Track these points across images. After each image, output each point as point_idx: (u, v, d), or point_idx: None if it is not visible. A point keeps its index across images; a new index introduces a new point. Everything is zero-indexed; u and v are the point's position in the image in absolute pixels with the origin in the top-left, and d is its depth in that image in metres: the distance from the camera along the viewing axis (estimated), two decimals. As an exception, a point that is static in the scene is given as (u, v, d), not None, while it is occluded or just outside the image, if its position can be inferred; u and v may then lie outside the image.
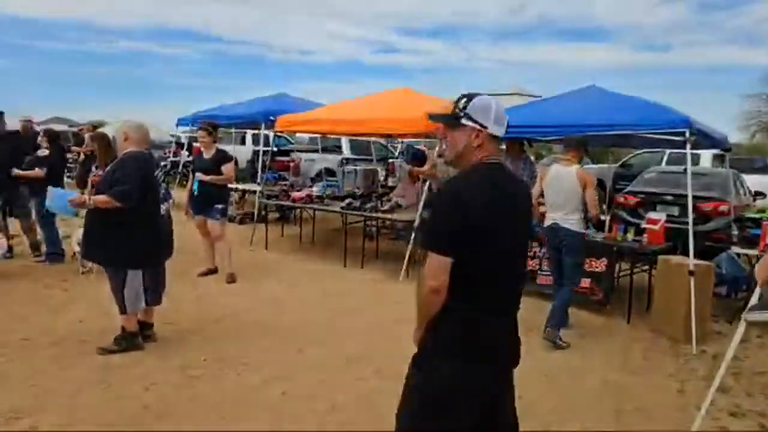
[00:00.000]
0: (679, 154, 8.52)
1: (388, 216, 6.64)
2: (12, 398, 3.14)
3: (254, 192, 8.93)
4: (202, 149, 5.80)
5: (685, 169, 4.84)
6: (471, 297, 1.79)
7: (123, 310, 3.83)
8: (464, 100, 1.85)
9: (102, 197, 3.65)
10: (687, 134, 4.62)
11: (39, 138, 6.35)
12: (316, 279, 6.12)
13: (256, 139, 12.81)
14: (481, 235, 1.74)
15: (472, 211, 1.72)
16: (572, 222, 4.47)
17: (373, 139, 11.94)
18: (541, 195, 4.72)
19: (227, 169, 5.65)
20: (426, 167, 6.39)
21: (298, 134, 11.88)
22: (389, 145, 11.96)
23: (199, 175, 5.58)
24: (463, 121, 1.83)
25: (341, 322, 4.74)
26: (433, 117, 2.05)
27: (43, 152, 6.15)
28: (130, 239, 3.71)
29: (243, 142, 13.37)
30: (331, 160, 12.07)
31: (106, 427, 2.90)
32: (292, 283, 5.88)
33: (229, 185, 6.37)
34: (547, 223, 4.63)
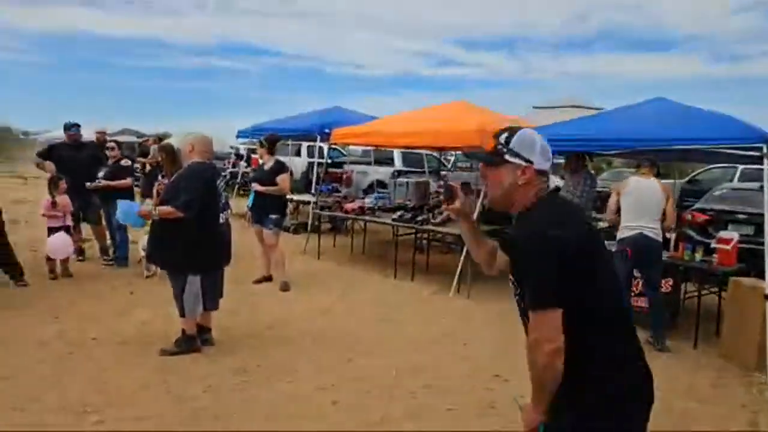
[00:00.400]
0: (754, 170, 8.01)
1: (440, 229, 6.60)
2: (83, 393, 3.34)
3: (308, 203, 9.13)
4: (261, 160, 6.01)
5: (761, 186, 4.57)
6: (610, 335, 1.62)
7: (182, 314, 4.00)
8: (506, 134, 1.71)
9: (166, 208, 3.84)
10: (765, 149, 4.36)
11: (111, 149, 6.71)
12: (366, 290, 6.16)
13: (310, 151, 13.12)
14: (592, 270, 1.58)
15: (573, 250, 1.53)
16: (656, 231, 4.55)
17: (425, 151, 11.95)
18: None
19: (281, 179, 5.83)
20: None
21: (350, 146, 12.06)
22: (442, 157, 11.92)
23: (255, 186, 5.78)
24: (507, 157, 1.68)
25: (391, 334, 4.74)
26: (472, 155, 1.94)
27: (126, 162, 6.58)
28: (190, 246, 3.87)
29: (299, 153, 13.72)
30: (382, 173, 12.16)
31: (167, 425, 3.03)
32: (343, 293, 5.94)
33: (287, 196, 6.55)
34: (627, 234, 4.58)
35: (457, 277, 6.03)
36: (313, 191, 9.22)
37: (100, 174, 6.39)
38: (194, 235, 3.86)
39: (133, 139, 18.90)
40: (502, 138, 1.71)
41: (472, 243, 2.01)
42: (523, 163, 1.67)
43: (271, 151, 6.03)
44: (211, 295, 4.15)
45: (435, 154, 12.34)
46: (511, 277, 1.70)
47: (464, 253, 6.03)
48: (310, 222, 8.73)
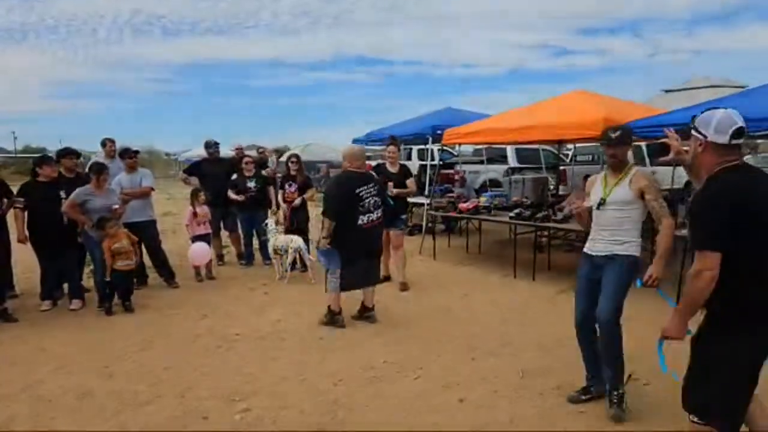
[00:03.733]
0: None
1: (563, 226, 6.28)
2: (231, 383, 3.67)
3: (421, 204, 9.20)
4: (388, 164, 6.13)
5: None
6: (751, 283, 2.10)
7: (326, 290, 4.81)
8: (696, 116, 2.25)
9: (325, 226, 4.60)
10: None
11: (247, 164, 7.30)
12: (486, 289, 6.05)
13: (421, 154, 13.22)
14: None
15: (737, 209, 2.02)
16: None
17: (542, 147, 11.46)
18: None
19: (411, 182, 6.00)
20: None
21: (461, 146, 11.96)
22: (560, 152, 11.33)
23: (390, 189, 5.76)
24: (693, 132, 2.22)
25: (514, 333, 4.59)
26: (682, 132, 2.47)
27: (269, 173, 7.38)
28: (334, 241, 4.60)
29: (410, 157, 13.90)
30: (495, 171, 11.89)
31: (306, 414, 3.22)
32: (463, 293, 5.89)
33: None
34: None
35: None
36: (426, 193, 9.28)
37: (251, 184, 7.06)
38: (337, 233, 4.58)
39: (254, 153, 20.47)
40: (693, 119, 2.25)
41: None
42: (700, 137, 2.18)
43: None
44: (349, 280, 4.74)
45: (551, 148, 11.78)
46: None
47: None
48: (424, 223, 8.80)
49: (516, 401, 3.37)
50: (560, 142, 9.68)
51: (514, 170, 11.65)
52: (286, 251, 6.47)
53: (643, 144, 10.15)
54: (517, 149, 12.00)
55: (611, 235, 3.14)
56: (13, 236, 5.37)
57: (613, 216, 3.13)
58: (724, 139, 2.13)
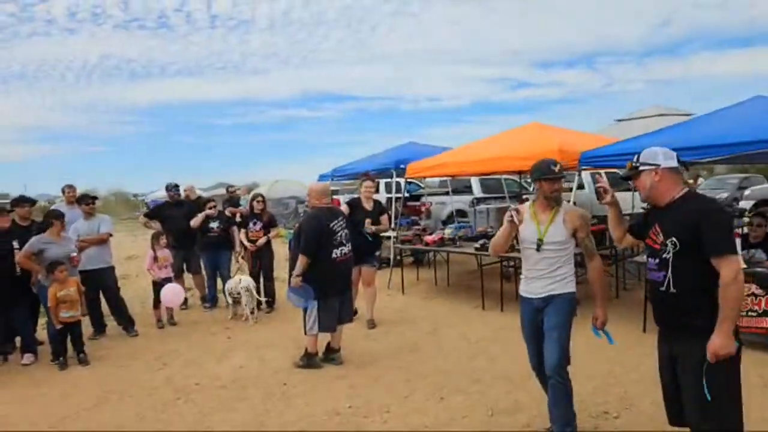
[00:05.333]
0: None
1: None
2: (188, 438, 3.50)
3: (388, 237, 9.19)
4: (363, 199, 6.05)
5: None
6: None
7: (304, 332, 4.69)
8: (635, 156, 2.50)
9: (300, 262, 4.52)
10: None
11: (211, 208, 7.13)
12: (455, 323, 6.01)
13: (388, 187, 13.28)
14: None
15: None
16: None
17: (504, 176, 11.68)
18: None
19: (385, 218, 5.99)
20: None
21: (427, 178, 12.10)
22: (522, 180, 11.56)
23: (367, 225, 5.74)
24: (641, 168, 2.45)
25: (484, 368, 4.55)
26: (623, 177, 2.63)
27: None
28: (307, 278, 4.52)
29: (377, 190, 13.95)
30: (461, 202, 12.03)
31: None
32: (432, 328, 5.84)
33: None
34: None
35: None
36: (392, 225, 9.28)
37: (214, 224, 6.92)
38: (313, 268, 4.53)
39: (223, 192, 20.26)
40: (634, 158, 2.50)
41: (616, 224, 2.80)
42: (653, 168, 2.42)
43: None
44: (326, 320, 4.63)
45: (515, 177, 12.01)
46: (658, 240, 2.38)
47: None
48: (392, 257, 8.76)
49: (484, 441, 3.30)
50: (521, 173, 9.90)
51: (479, 200, 11.81)
52: (239, 293, 6.39)
53: (602, 172, 10.46)
54: (481, 180, 12.21)
55: (549, 275, 3.03)
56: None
57: (549, 257, 3.01)
58: (674, 162, 2.41)
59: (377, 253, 5.95)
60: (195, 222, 6.88)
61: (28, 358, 5.25)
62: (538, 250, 3.01)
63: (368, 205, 6.01)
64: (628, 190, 6.94)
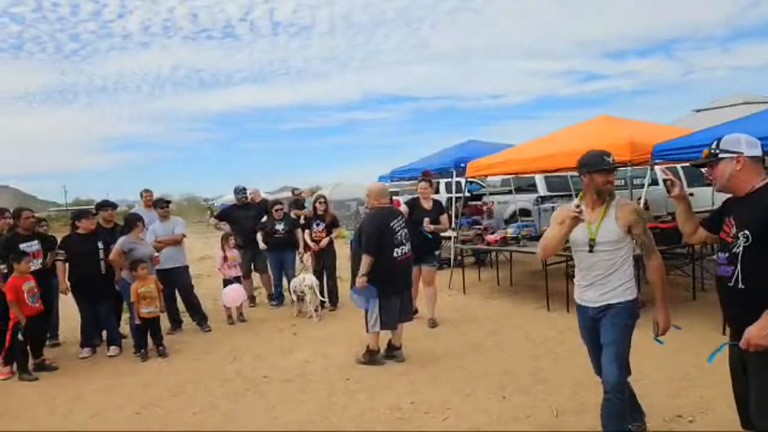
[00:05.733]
0: None
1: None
2: (258, 428, 3.66)
3: (449, 238, 9.13)
4: (422, 200, 6.10)
5: None
6: None
7: (366, 330, 4.78)
8: (715, 142, 2.36)
9: (364, 262, 4.59)
10: None
11: (277, 210, 7.33)
12: (518, 323, 5.89)
13: (448, 187, 13.20)
14: None
15: None
16: None
17: (570, 174, 11.29)
18: None
19: (445, 218, 5.99)
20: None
21: (489, 177, 11.91)
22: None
23: (426, 224, 5.76)
24: (721, 156, 2.32)
25: (548, 369, 4.43)
26: (695, 165, 2.61)
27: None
28: (372, 276, 4.58)
29: (437, 191, 13.91)
30: (524, 200, 11.75)
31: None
32: (494, 328, 5.75)
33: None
34: None
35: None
36: (452, 225, 9.22)
37: (280, 226, 7.17)
38: (373, 269, 4.58)
39: (288, 194, 20.90)
40: (713, 145, 2.36)
41: (685, 219, 2.64)
42: (735, 156, 2.28)
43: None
44: (387, 318, 4.71)
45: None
46: (731, 233, 2.27)
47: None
48: (452, 257, 8.71)
49: (549, 442, 3.23)
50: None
51: (543, 199, 11.48)
52: (303, 291, 6.57)
53: (678, 166, 9.88)
54: (546, 177, 11.86)
55: (604, 280, 2.75)
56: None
57: (604, 259, 2.73)
58: (757, 151, 2.30)
59: (437, 253, 5.94)
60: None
61: (113, 350, 5.69)
62: (591, 251, 2.74)
63: (427, 205, 6.02)
64: (708, 185, 6.52)
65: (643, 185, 5.84)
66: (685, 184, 10.60)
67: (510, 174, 9.83)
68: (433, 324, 5.91)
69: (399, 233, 4.76)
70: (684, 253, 6.30)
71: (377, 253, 4.58)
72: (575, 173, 10.97)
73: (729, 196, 2.43)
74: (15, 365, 5.06)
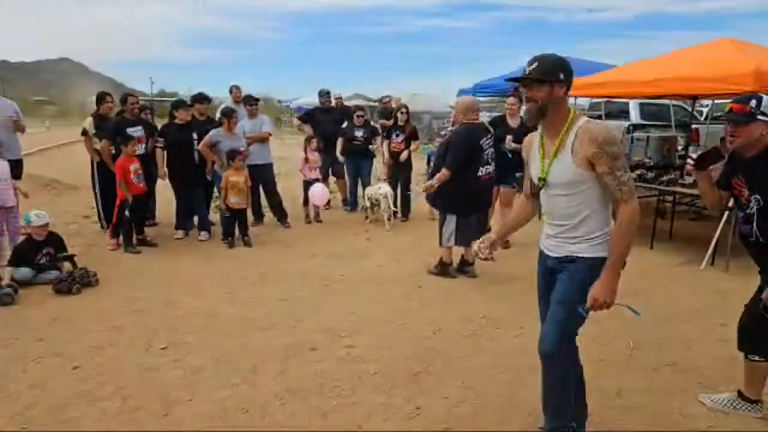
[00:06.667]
0: None
1: (692, 191, 5.70)
2: (336, 320, 3.91)
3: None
4: (508, 116, 5.88)
5: None
6: None
7: (440, 244, 4.81)
8: (755, 101, 2.37)
9: (440, 175, 4.55)
10: None
11: (360, 116, 7.32)
12: (595, 254, 5.74)
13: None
14: None
15: None
16: None
17: (673, 102, 10.32)
18: None
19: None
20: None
21: (578, 99, 11.13)
22: (694, 109, 10.12)
23: (508, 143, 5.59)
24: (759, 117, 2.35)
25: (623, 300, 4.33)
26: (729, 119, 2.43)
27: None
28: (450, 193, 4.58)
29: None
30: (615, 127, 10.97)
31: (404, 358, 3.35)
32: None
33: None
34: None
35: (712, 246, 5.17)
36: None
37: (359, 133, 7.17)
38: (453, 186, 4.56)
39: (362, 102, 20.70)
40: (753, 103, 2.37)
41: (709, 189, 2.69)
42: None
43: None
44: (463, 234, 4.71)
45: (683, 104, 10.59)
46: (744, 194, 2.50)
47: (723, 219, 5.12)
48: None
49: (623, 372, 3.23)
50: (695, 98, 8.64)
51: (636, 127, 10.67)
52: (377, 200, 6.66)
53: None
54: (641, 104, 10.93)
55: (563, 228, 2.19)
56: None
57: (560, 202, 2.16)
58: None
59: (518, 175, 5.75)
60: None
61: (203, 235, 6.15)
62: (544, 192, 2.24)
63: (513, 123, 5.76)
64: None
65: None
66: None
67: (604, 97, 9.12)
68: (506, 245, 5.88)
69: (486, 152, 4.64)
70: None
71: (458, 169, 4.51)
72: (678, 102, 9.92)
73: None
74: (121, 238, 5.61)
